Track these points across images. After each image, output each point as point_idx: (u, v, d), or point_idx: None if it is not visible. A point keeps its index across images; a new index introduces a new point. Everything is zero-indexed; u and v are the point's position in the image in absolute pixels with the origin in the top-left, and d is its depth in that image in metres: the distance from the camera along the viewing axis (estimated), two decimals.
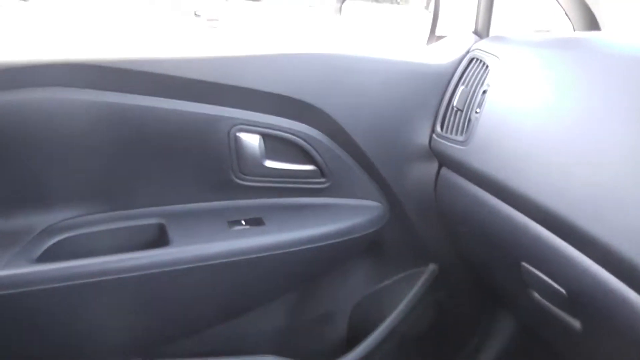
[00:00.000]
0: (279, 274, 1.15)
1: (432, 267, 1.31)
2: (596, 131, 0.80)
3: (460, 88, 1.13)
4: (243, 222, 1.14)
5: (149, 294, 1.06)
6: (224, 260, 1.06)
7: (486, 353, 1.43)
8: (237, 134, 1.10)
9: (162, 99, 1.05)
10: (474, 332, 1.44)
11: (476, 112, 1.05)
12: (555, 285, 0.89)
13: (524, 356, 1.44)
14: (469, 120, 1.07)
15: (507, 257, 1.01)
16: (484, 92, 1.06)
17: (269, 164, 1.14)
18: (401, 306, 1.28)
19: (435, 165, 1.19)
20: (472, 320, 1.43)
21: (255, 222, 1.14)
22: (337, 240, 1.16)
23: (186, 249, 1.06)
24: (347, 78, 1.13)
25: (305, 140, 1.14)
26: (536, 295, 0.99)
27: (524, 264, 0.95)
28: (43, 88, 0.99)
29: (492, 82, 1.05)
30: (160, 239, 1.09)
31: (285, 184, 1.17)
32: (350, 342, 1.30)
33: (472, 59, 1.16)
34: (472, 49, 1.19)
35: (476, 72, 1.12)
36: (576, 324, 0.89)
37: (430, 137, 1.18)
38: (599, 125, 0.80)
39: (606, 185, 0.75)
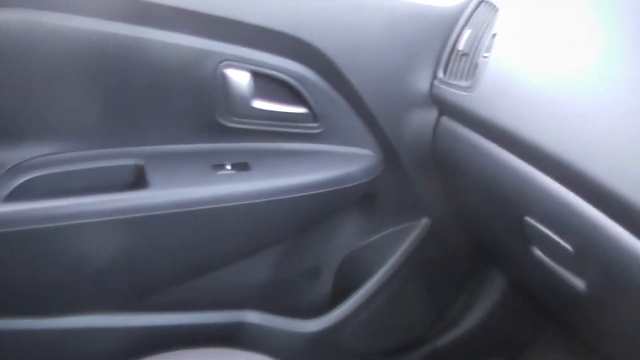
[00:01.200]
0: (265, 223, 1.08)
1: (424, 221, 1.25)
2: (619, 77, 0.73)
3: (467, 31, 1.05)
4: (228, 167, 1.06)
5: (125, 240, 0.99)
6: (207, 207, 0.99)
7: (475, 312, 1.40)
8: (225, 70, 1.02)
9: (144, 28, 0.97)
10: (463, 290, 1.40)
11: (484, 57, 0.98)
12: (561, 242, 0.83)
13: (516, 317, 1.41)
14: (476, 65, 0.99)
15: (509, 212, 0.95)
16: (494, 35, 0.98)
17: (258, 104, 1.06)
18: (390, 262, 1.23)
19: (435, 113, 1.12)
20: (463, 278, 1.39)
21: (242, 167, 1.07)
22: (328, 189, 1.09)
23: (166, 193, 0.99)
24: (348, 15, 1.05)
25: (298, 81, 1.06)
26: (538, 252, 0.93)
27: (527, 218, 0.89)
28: (12, 9, 0.90)
29: (503, 24, 0.98)
30: (138, 181, 1.02)
31: (275, 128, 1.10)
32: (336, 298, 1.25)
33: (481, 1, 1.08)
34: None
35: (485, 15, 1.05)
36: (580, 283, 0.84)
37: (432, 83, 1.10)
38: (622, 70, 0.73)
39: (627, 135, 0.69)
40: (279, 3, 1.02)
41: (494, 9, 1.03)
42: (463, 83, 1.01)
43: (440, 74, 1.08)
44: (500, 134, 0.91)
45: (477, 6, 1.08)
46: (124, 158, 1.05)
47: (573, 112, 0.77)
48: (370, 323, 1.28)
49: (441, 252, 1.31)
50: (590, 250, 0.77)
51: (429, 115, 1.13)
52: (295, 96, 1.07)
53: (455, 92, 1.02)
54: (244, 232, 1.08)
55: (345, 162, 1.12)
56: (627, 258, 0.70)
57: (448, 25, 1.10)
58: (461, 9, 1.10)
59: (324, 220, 1.19)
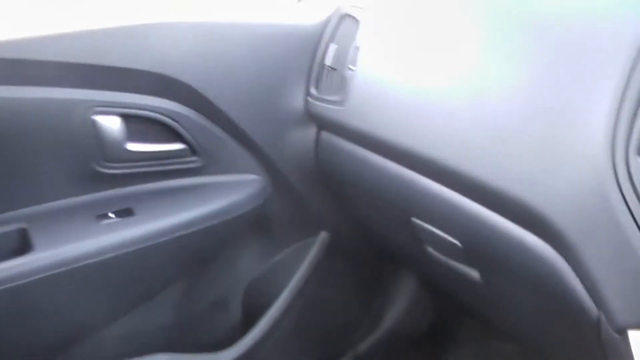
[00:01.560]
0: (157, 266, 1.06)
1: (323, 235, 1.26)
2: (478, 74, 0.77)
3: (333, 46, 1.07)
4: (112, 215, 1.03)
5: (16, 308, 0.94)
6: (95, 260, 0.95)
7: (390, 313, 1.42)
8: (95, 117, 0.99)
9: (4, 87, 0.92)
10: (376, 294, 1.43)
11: (350, 70, 1.00)
12: (450, 238, 0.86)
13: (431, 313, 1.45)
14: (344, 78, 1.02)
15: (398, 215, 0.98)
16: (357, 48, 1.01)
17: (133, 147, 1.03)
18: (295, 280, 1.23)
19: (314, 129, 1.14)
20: (373, 283, 1.41)
21: (125, 213, 1.04)
22: (217, 221, 1.08)
23: (51, 254, 0.94)
24: (212, 47, 1.04)
25: (171, 118, 1.04)
26: (431, 250, 0.96)
27: (414, 219, 0.92)
28: None
29: (365, 36, 1.00)
30: (24, 245, 0.97)
31: (155, 167, 1.07)
32: (248, 324, 1.23)
33: (343, 15, 1.11)
34: (342, 4, 1.14)
35: (348, 29, 1.07)
36: (475, 274, 0.88)
37: (306, 101, 1.11)
38: (480, 69, 0.77)
39: (492, 130, 0.73)
40: (140, 42, 0.99)
41: (356, 22, 1.05)
42: (335, 97, 1.03)
43: (313, 91, 1.10)
44: (375, 143, 0.93)
45: (340, 21, 1.10)
46: (5, 225, 0.99)
47: (438, 113, 0.81)
48: (286, 342, 1.27)
49: (345, 262, 1.32)
50: (477, 243, 0.81)
51: (309, 132, 1.14)
52: (170, 133, 1.05)
53: (329, 107, 1.03)
54: (137, 278, 1.05)
55: (231, 190, 1.11)
56: (511, 246, 0.74)
57: (313, 42, 1.11)
58: (324, 25, 1.12)
59: (220, 252, 1.18)
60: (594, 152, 0.59)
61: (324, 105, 1.05)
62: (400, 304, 1.43)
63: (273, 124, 1.12)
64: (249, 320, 1.24)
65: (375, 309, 1.44)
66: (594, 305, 0.62)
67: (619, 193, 0.55)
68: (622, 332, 0.57)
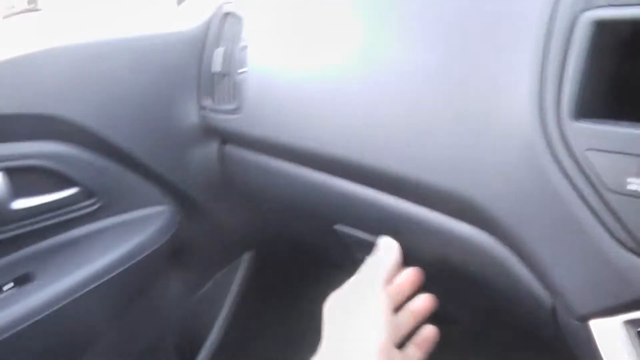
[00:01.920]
0: (71, 328, 0.93)
1: (248, 255, 1.17)
2: (374, 59, 0.68)
3: (219, 49, 0.97)
4: (10, 285, 0.90)
5: None
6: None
7: None
8: None
9: None
10: (316, 303, 1.33)
11: (240, 73, 0.90)
12: (371, 239, 0.78)
13: None
14: (235, 83, 0.92)
15: (319, 224, 0.89)
16: (244, 48, 0.91)
17: (20, 204, 0.90)
18: (226, 309, 1.13)
19: (215, 144, 1.03)
20: (309, 293, 1.32)
21: (24, 280, 0.90)
22: (130, 264, 0.96)
23: None
24: (87, 71, 0.92)
25: (57, 161, 0.92)
26: (362, 256, 0.88)
27: (337, 227, 0.83)
28: None
29: (250, 35, 0.91)
30: None
31: (49, 221, 0.94)
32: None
33: (225, 14, 1.00)
34: (224, 2, 1.03)
35: (232, 28, 0.97)
36: None
37: (200, 114, 1.01)
38: (375, 52, 0.68)
39: (402, 118, 0.64)
40: (4, 83, 0.87)
41: (239, 20, 0.95)
42: (229, 106, 0.93)
43: (206, 102, 0.99)
44: (279, 149, 0.84)
45: (223, 21, 1.00)
46: None
47: (341, 109, 0.72)
48: None
49: (277, 278, 1.23)
50: (398, 238, 0.72)
51: (210, 148, 1.03)
52: (59, 179, 0.93)
53: (225, 117, 0.93)
54: (51, 347, 0.92)
55: (138, 228, 0.99)
56: (446, 239, 0.66)
57: (198, 48, 1.01)
58: (207, 28, 1.02)
59: (140, 296, 1.05)
60: (521, 123, 0.50)
61: (220, 116, 0.95)
62: None
63: (170, 146, 1.01)
64: (186, 358, 1.14)
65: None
66: (546, 292, 0.54)
67: (555, 163, 0.47)
68: (582, 320, 0.49)
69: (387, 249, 0.68)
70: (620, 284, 0.45)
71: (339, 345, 0.55)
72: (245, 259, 1.17)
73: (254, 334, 1.23)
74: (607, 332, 0.47)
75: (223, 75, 0.96)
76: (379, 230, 0.73)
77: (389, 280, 0.62)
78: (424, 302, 0.68)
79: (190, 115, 1.01)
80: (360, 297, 0.58)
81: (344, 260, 1.01)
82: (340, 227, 0.83)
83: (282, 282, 1.24)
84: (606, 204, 0.45)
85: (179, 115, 1.00)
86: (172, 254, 1.05)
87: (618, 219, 0.44)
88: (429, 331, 0.68)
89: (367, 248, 0.82)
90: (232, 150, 1.00)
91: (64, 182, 0.94)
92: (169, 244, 1.02)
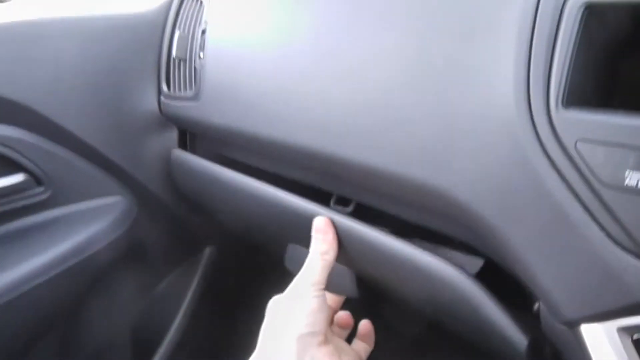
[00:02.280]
0: (14, 326, 0.87)
1: (208, 251, 1.12)
2: (342, 43, 0.63)
3: (177, 34, 0.91)
4: None
5: None
6: None
7: None
8: None
9: None
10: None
11: (200, 58, 0.85)
12: None
13: None
14: (195, 69, 0.86)
15: (275, 238, 0.85)
16: (203, 32, 0.85)
17: None
18: (184, 308, 1.08)
19: (174, 133, 0.97)
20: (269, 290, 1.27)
21: None
22: (81, 258, 0.90)
23: None
24: (32, 51, 0.86)
25: (4, 145, 0.85)
26: None
27: (290, 246, 0.79)
28: None
29: (210, 18, 0.85)
30: None
31: None
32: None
33: None
34: None
35: (191, 11, 0.91)
36: None
37: (159, 101, 0.95)
38: (344, 36, 0.63)
39: (372, 109, 0.59)
40: None
41: (200, 2, 0.90)
42: (188, 93, 0.87)
43: (165, 88, 0.93)
44: (239, 139, 0.79)
45: (182, 3, 0.94)
46: None
47: (300, 96, 0.67)
48: None
49: (235, 275, 1.18)
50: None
51: (169, 138, 0.97)
52: (3, 163, 0.86)
53: (184, 105, 0.87)
54: None
55: (91, 220, 0.93)
56: (412, 269, 0.61)
57: (156, 31, 0.95)
58: (166, 10, 0.96)
59: (92, 292, 0.99)
60: (505, 113, 0.46)
61: (179, 103, 0.89)
62: None
63: (126, 134, 0.95)
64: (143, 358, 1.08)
65: None
66: (520, 335, 0.51)
67: (543, 156, 0.43)
68: (572, 326, 0.46)
69: (321, 245, 0.67)
70: (616, 287, 0.41)
71: (269, 340, 0.61)
72: (205, 255, 1.12)
73: (213, 331, 1.17)
74: (600, 338, 0.44)
75: (182, 60, 0.90)
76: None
77: (321, 281, 0.64)
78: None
79: (149, 102, 0.95)
80: (293, 297, 0.63)
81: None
82: (293, 247, 0.78)
83: (243, 279, 1.19)
84: (601, 200, 0.41)
85: (136, 101, 0.94)
86: (129, 247, 0.99)
87: (614, 217, 0.41)
88: (365, 325, 0.72)
89: None
90: (191, 140, 0.94)
91: (10, 167, 0.87)
92: (125, 237, 0.96)
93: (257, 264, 1.16)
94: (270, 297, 0.64)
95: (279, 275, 1.22)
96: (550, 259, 0.45)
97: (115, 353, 1.08)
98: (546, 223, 0.44)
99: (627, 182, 0.40)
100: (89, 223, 0.93)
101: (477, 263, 0.58)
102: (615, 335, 0.43)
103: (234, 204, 0.86)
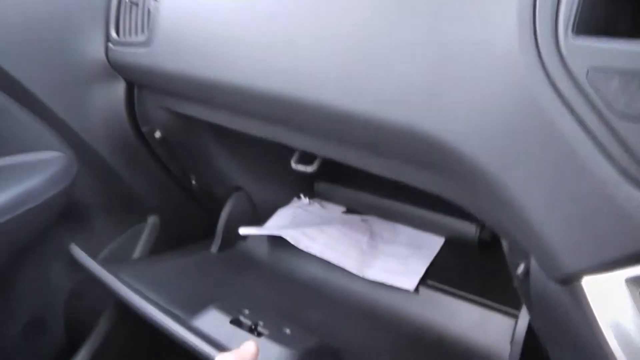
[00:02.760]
0: None
1: (152, 219, 1.06)
2: None
3: None
4: None
5: None
6: None
7: None
8: None
9: None
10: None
11: (155, 1, 0.78)
12: None
13: None
14: (148, 13, 0.80)
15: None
16: None
17: None
18: None
19: (122, 84, 0.91)
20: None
21: None
22: (11, 216, 0.81)
23: None
24: None
25: None
26: None
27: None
28: None
29: None
30: None
31: None
32: (72, 348, 0.98)
33: None
34: None
35: None
36: None
37: (107, 48, 0.88)
38: None
39: (354, 51, 0.53)
40: None
41: None
42: (139, 38, 0.81)
43: (114, 34, 0.87)
44: (194, 85, 0.73)
45: None
46: None
47: (263, 38, 0.63)
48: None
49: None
50: None
51: (116, 89, 0.91)
52: None
53: (134, 52, 0.81)
54: None
55: (26, 174, 0.86)
56: None
57: None
58: None
59: (25, 255, 0.92)
60: (508, 43, 0.41)
61: (129, 50, 0.82)
62: None
63: (70, 83, 0.89)
64: (73, 341, 1.00)
65: None
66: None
67: (551, 87, 0.38)
68: (570, 281, 0.41)
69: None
70: (628, 230, 0.36)
71: None
72: (150, 224, 1.06)
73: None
74: (605, 292, 0.39)
75: (133, 3, 0.83)
76: None
77: None
78: None
79: (95, 49, 0.89)
80: None
81: None
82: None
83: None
84: (615, 133, 0.37)
85: (81, 48, 0.88)
86: (64, 209, 0.92)
87: (629, 151, 0.36)
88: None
89: None
90: (141, 92, 0.88)
91: None
92: (62, 196, 0.89)
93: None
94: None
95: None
96: (554, 202, 0.40)
97: (46, 330, 1.01)
98: (551, 163, 0.39)
99: None
100: (24, 178, 0.85)
101: None
102: (624, 287, 0.38)
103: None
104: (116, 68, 0.88)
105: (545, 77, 0.39)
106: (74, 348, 0.98)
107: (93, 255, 1.01)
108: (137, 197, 1.03)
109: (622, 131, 0.36)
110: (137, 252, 1.04)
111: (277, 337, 0.70)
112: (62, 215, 0.93)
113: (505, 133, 0.42)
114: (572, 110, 0.38)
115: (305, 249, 0.90)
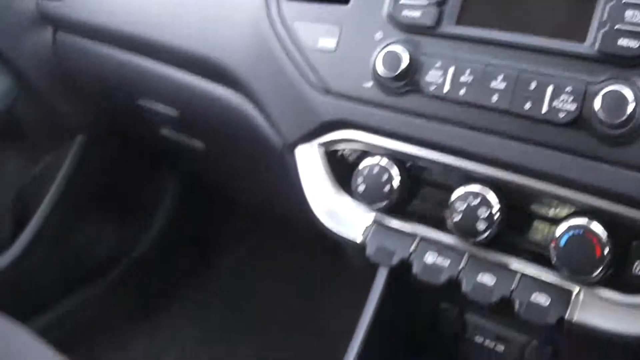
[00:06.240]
0: None
1: (79, 138, 1.24)
2: None
3: None
4: None
5: None
6: None
7: (162, 211, 1.47)
8: None
9: None
10: (147, 195, 1.46)
11: None
12: (166, 110, 0.94)
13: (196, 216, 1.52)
14: None
15: (128, 100, 1.03)
16: None
17: None
18: (55, 186, 1.21)
19: (50, 30, 1.11)
20: (141, 184, 1.44)
21: None
22: None
23: None
24: None
25: None
26: (163, 131, 1.04)
27: (139, 102, 0.98)
28: None
29: None
30: None
31: None
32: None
33: None
34: None
35: None
36: (199, 144, 0.97)
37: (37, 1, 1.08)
38: None
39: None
40: None
41: None
42: None
43: None
44: (98, 32, 0.97)
45: None
46: None
47: None
48: (51, 253, 1.28)
49: (109, 165, 1.33)
50: (189, 109, 0.89)
51: (45, 33, 1.10)
52: None
53: (56, 4, 1.03)
54: None
55: None
56: (212, 103, 0.83)
57: None
58: None
59: None
60: (253, 6, 0.71)
61: (52, 2, 1.05)
62: (169, 204, 1.48)
63: (7, 24, 1.08)
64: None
65: (149, 210, 1.47)
66: (277, 136, 0.74)
67: (272, 31, 0.67)
68: (292, 148, 0.69)
69: None
70: (313, 113, 0.65)
71: None
72: (76, 142, 1.24)
73: (78, 218, 1.32)
74: (307, 153, 0.68)
75: None
76: (168, 99, 0.90)
77: None
78: None
79: (27, 2, 1.08)
80: None
81: (154, 140, 1.15)
82: (142, 102, 0.97)
83: (112, 169, 1.34)
84: (305, 58, 0.65)
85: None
86: (8, 127, 1.13)
87: (312, 68, 0.64)
88: None
89: (162, 118, 0.97)
90: (64, 37, 1.09)
91: None
92: (4, 115, 1.09)
93: (125, 153, 1.33)
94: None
95: (143, 163, 1.39)
96: (277, 99, 0.69)
97: None
98: (274, 77, 0.69)
99: (319, 44, 0.63)
100: None
101: None
102: (316, 148, 0.67)
103: (99, 72, 1.02)
104: (44, 18, 1.08)
105: (270, 24, 0.68)
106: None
107: (30, 167, 1.24)
108: (67, 118, 1.21)
109: (309, 57, 0.65)
110: (64, 168, 1.22)
111: None
112: (4, 131, 1.13)
113: (253, 57, 0.71)
114: (283, 45, 0.66)
115: None
